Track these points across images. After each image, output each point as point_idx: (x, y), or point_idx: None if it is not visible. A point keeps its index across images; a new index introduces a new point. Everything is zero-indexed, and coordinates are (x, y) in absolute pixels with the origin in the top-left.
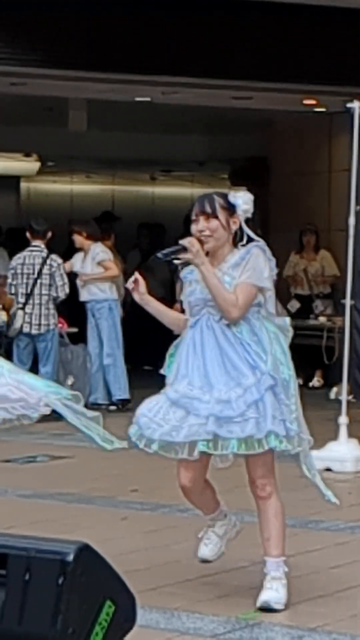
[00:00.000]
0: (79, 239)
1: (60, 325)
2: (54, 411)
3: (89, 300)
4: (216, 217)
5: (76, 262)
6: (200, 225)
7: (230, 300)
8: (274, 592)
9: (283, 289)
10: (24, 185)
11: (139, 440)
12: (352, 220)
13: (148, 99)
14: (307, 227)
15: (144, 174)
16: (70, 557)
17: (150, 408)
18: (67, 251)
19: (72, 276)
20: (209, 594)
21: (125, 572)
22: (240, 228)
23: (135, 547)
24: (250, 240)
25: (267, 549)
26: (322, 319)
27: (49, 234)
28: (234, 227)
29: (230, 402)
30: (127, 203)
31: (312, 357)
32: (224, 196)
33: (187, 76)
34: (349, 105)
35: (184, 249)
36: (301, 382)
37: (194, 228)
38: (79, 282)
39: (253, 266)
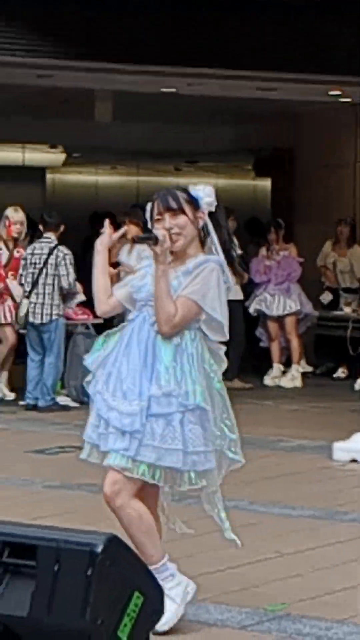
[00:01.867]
0: (135, 230)
1: (86, 316)
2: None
3: None
4: (183, 212)
5: (122, 254)
6: (167, 223)
7: (169, 313)
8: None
9: (315, 280)
10: (49, 176)
11: None
12: None
13: (173, 90)
14: (343, 217)
15: (169, 165)
16: (99, 548)
17: None
18: (87, 241)
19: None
20: (235, 585)
21: None
22: (205, 224)
23: (164, 538)
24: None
25: None
26: (347, 310)
27: (62, 227)
28: (201, 222)
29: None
30: (151, 194)
31: (337, 348)
32: (186, 190)
33: (213, 67)
34: None
35: (156, 241)
36: (324, 372)
37: (158, 228)
38: (121, 271)
39: (202, 282)
